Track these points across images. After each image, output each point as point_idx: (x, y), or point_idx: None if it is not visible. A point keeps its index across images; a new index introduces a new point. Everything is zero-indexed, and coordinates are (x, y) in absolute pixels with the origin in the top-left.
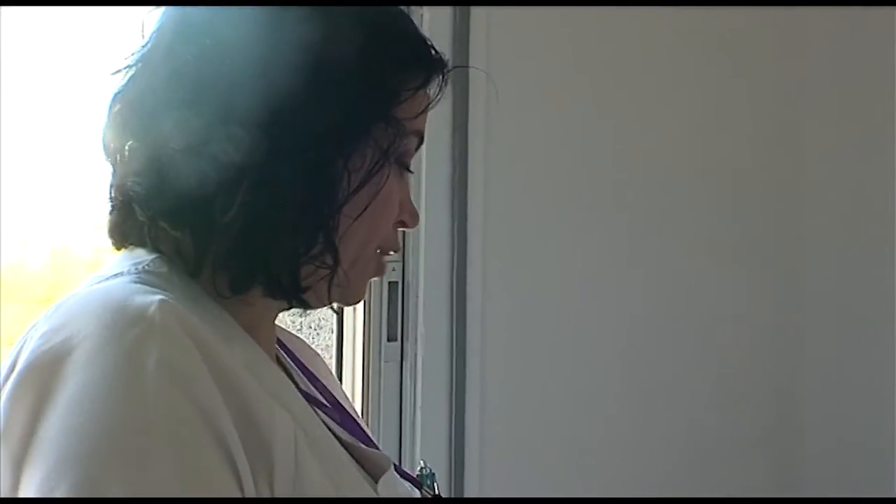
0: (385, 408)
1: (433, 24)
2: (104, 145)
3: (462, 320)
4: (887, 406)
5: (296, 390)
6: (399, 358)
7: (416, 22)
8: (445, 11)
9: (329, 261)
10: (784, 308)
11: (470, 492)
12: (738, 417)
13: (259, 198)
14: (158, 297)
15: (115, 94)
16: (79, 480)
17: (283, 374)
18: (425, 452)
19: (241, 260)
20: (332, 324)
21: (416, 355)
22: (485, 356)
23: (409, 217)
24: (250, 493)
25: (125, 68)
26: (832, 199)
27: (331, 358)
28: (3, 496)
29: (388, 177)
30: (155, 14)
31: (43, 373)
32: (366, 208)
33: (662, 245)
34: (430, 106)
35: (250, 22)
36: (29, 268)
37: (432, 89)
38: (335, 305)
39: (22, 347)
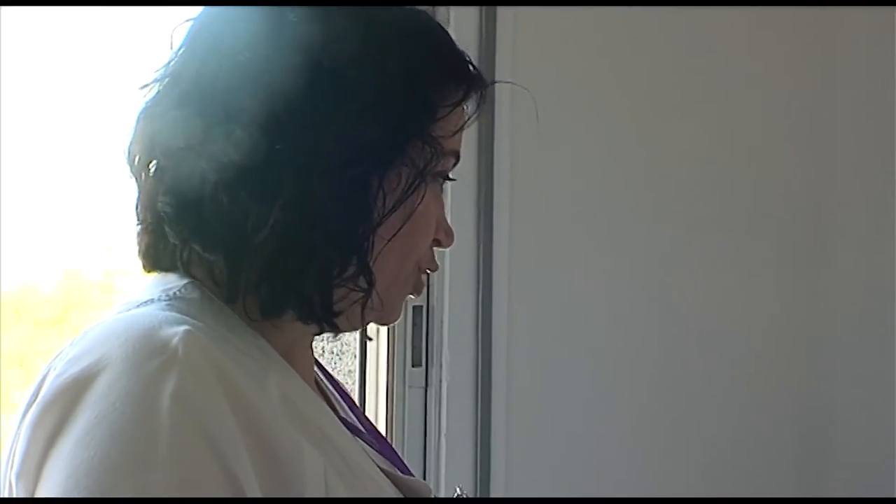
0: (409, 434)
1: (459, 24)
2: (129, 160)
3: (487, 345)
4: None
5: (336, 419)
6: (424, 384)
7: (442, 23)
8: (472, 12)
9: (363, 283)
10: (810, 312)
11: None
12: (765, 421)
13: (292, 218)
14: (184, 327)
15: (144, 109)
16: None
17: (322, 403)
18: (450, 480)
19: (273, 283)
20: (354, 349)
21: (441, 381)
22: (510, 382)
23: (444, 236)
24: None
25: (153, 82)
26: (858, 199)
27: (354, 383)
28: None
29: (423, 196)
30: (183, 26)
31: (62, 401)
32: (400, 229)
33: (689, 253)
34: (468, 124)
35: (286, 37)
36: (40, 290)
37: (470, 106)
38: (368, 330)
39: (46, 375)
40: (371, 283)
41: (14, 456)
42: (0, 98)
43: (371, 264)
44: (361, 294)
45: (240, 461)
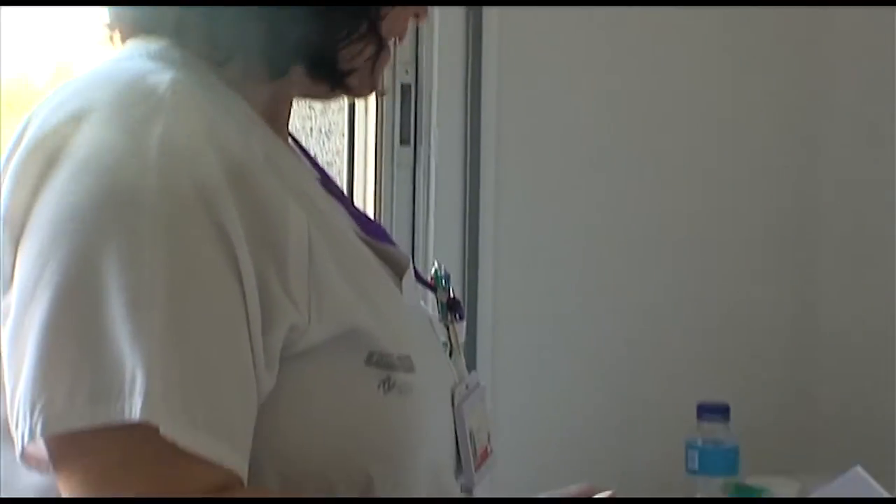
0: (398, 213)
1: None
2: None
3: (476, 123)
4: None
5: (316, 181)
6: (412, 163)
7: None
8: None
9: (374, 41)
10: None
11: (483, 299)
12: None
13: None
14: (171, 75)
15: None
16: (69, 254)
17: (302, 164)
18: (439, 258)
19: (282, 41)
20: (342, 128)
21: (429, 159)
22: (500, 160)
23: (422, 11)
24: (250, 282)
25: None
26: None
27: (342, 163)
28: (2, 279)
29: None
30: None
31: (48, 146)
32: None
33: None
34: None
35: None
36: (33, 83)
37: None
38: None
39: (28, 124)
40: (381, 43)
41: None
42: None
43: (380, 24)
44: (372, 51)
45: (227, 210)
